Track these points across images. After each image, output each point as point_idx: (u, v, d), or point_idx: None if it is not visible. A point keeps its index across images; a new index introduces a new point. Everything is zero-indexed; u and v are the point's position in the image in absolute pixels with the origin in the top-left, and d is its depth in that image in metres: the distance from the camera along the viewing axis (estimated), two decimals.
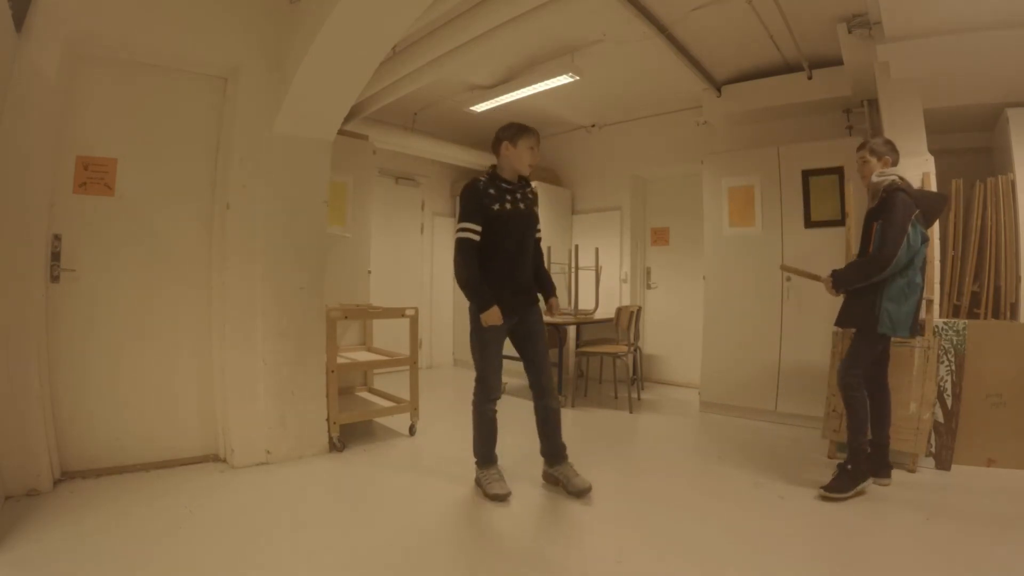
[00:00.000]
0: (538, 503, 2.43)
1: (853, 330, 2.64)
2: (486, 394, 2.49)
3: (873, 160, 2.64)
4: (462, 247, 2.39)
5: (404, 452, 3.17)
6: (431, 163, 6.04)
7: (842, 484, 2.48)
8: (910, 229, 2.42)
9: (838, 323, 2.71)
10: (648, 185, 5.67)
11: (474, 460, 2.57)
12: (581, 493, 2.43)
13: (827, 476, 2.81)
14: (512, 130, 2.50)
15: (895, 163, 2.64)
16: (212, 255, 2.85)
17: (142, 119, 2.68)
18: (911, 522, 2.26)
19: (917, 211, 2.46)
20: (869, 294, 2.52)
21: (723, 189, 4.17)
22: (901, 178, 2.55)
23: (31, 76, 2.23)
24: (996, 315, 3.05)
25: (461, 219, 2.42)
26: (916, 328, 2.60)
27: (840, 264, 3.36)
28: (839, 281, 2.62)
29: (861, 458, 2.53)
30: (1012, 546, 2.03)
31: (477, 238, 2.39)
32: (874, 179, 2.61)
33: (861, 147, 2.71)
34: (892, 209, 2.44)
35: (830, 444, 3.06)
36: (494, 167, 2.54)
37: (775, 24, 3.36)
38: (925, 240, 2.52)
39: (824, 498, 2.45)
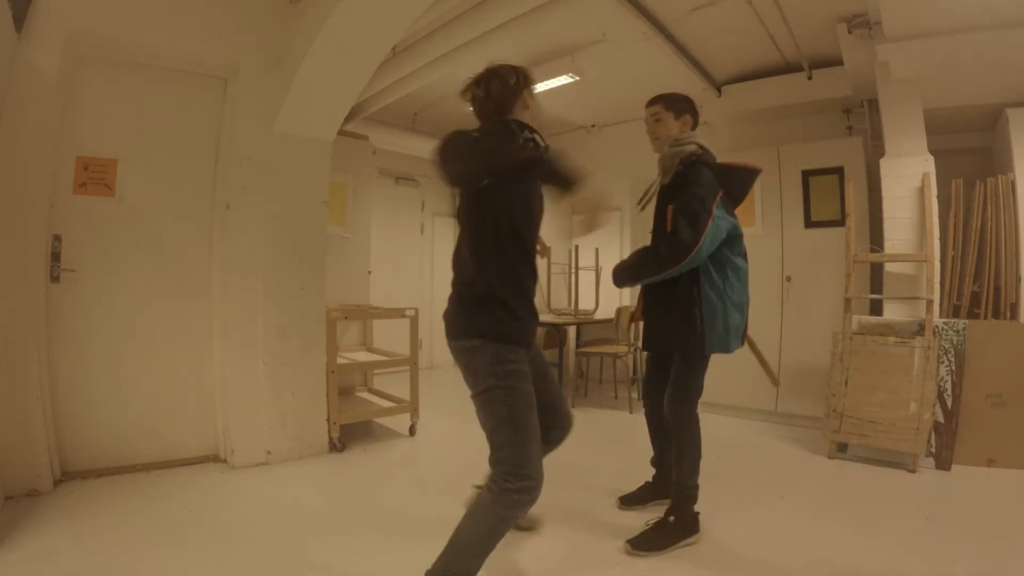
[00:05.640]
0: (538, 503, 2.42)
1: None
2: (533, 489, 1.49)
3: (669, 117, 2.09)
4: None
5: (404, 452, 3.17)
6: (431, 163, 6.03)
7: (659, 541, 1.97)
8: (717, 212, 1.91)
9: (647, 347, 2.24)
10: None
11: None
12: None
13: (827, 476, 2.81)
14: (524, 72, 1.74)
15: (695, 126, 2.13)
16: (212, 255, 2.85)
17: (142, 119, 2.68)
18: (911, 522, 2.26)
19: (722, 191, 1.96)
20: (685, 308, 1.99)
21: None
22: (702, 147, 2.06)
23: (31, 76, 2.22)
24: (996, 315, 3.05)
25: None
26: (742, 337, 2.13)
27: (840, 264, 3.36)
28: (618, 274, 2.13)
29: (689, 507, 2.04)
30: (1012, 546, 2.03)
31: None
32: (669, 148, 2.08)
33: (653, 102, 2.16)
34: (694, 185, 1.95)
35: (830, 444, 3.06)
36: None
37: (775, 24, 3.36)
38: (736, 227, 2.03)
39: (630, 553, 1.94)
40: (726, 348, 2.03)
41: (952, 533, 2.14)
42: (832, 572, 1.87)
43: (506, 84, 1.64)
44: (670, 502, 2.08)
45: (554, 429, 1.74)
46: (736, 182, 2.05)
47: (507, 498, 1.47)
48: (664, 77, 4.30)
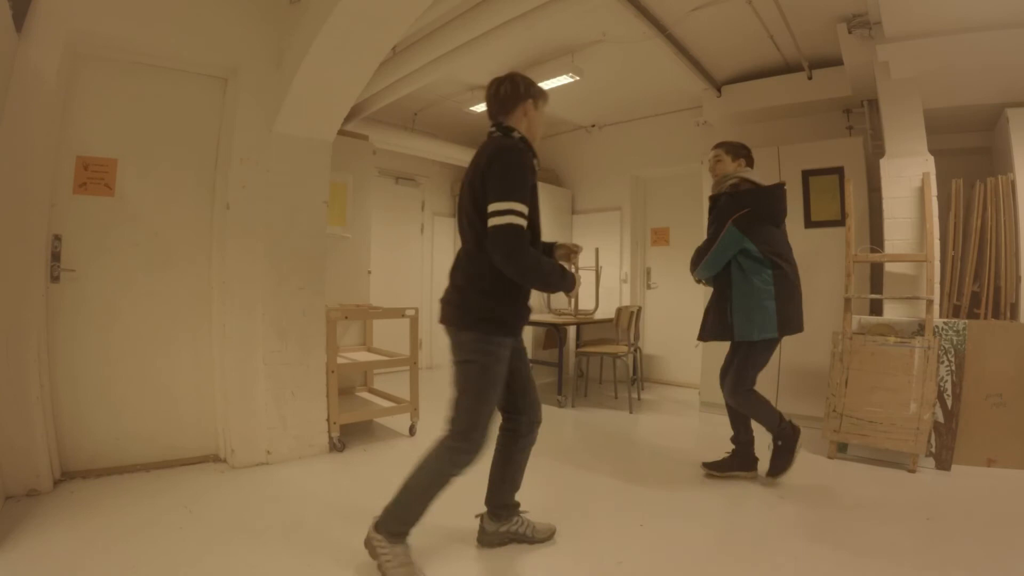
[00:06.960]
0: (537, 504, 2.42)
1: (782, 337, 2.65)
2: (472, 452, 1.70)
3: (728, 159, 2.70)
4: (518, 236, 1.62)
5: (404, 452, 3.17)
6: (431, 163, 6.03)
7: (783, 462, 2.60)
8: (728, 231, 2.50)
9: (701, 337, 2.78)
10: (648, 185, 5.66)
11: (385, 533, 1.78)
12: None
13: (827, 476, 2.82)
14: (536, 87, 1.87)
15: (751, 165, 2.71)
16: (212, 255, 2.85)
17: (142, 119, 2.68)
18: (911, 522, 2.26)
19: (745, 210, 2.49)
20: (719, 304, 2.61)
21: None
22: (745, 179, 2.63)
23: (31, 76, 2.23)
24: (996, 315, 3.05)
25: (508, 196, 1.63)
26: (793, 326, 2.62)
27: (840, 264, 3.37)
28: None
29: (787, 432, 2.62)
30: (1012, 546, 2.04)
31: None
32: (719, 180, 2.71)
33: (717, 146, 2.78)
34: (713, 219, 2.59)
35: (830, 444, 3.06)
36: (515, 131, 1.80)
37: (775, 24, 3.36)
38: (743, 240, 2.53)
39: (773, 481, 2.62)
40: (750, 335, 2.50)
41: (952, 533, 2.14)
42: (831, 572, 1.87)
43: (515, 89, 1.85)
44: (773, 436, 2.62)
45: (523, 415, 1.93)
46: (770, 200, 2.59)
47: (452, 456, 1.72)
48: (664, 77, 4.31)
